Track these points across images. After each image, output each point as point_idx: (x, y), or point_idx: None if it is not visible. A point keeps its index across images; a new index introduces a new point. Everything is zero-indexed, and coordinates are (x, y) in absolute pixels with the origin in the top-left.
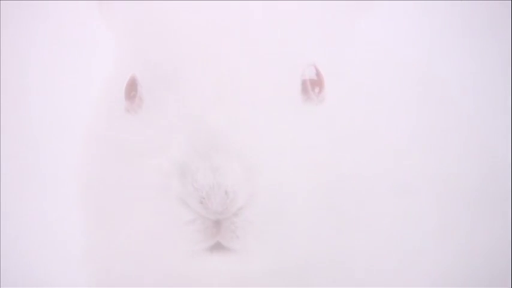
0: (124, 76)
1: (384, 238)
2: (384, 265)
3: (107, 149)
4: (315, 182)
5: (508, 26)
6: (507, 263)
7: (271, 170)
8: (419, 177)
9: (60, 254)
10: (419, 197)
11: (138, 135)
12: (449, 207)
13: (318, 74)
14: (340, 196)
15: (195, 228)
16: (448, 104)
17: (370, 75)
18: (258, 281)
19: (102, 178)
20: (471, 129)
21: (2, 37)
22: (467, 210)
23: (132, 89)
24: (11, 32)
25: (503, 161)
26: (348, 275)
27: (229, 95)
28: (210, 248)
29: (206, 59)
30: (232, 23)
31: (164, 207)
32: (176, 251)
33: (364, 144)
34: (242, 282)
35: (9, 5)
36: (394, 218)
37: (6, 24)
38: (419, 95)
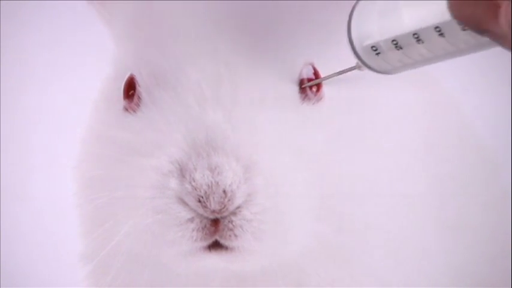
0: (122, 75)
1: (383, 238)
2: (384, 265)
3: (106, 148)
4: (313, 181)
5: None
6: (508, 263)
7: (269, 169)
8: (418, 177)
9: (58, 254)
10: (418, 197)
11: (136, 135)
12: (449, 207)
13: (315, 73)
14: (338, 195)
15: (194, 227)
16: (447, 103)
17: (367, 74)
18: (256, 279)
19: (100, 177)
20: (471, 129)
21: (2, 37)
22: (467, 210)
23: (130, 88)
24: (10, 32)
25: (503, 161)
26: (346, 274)
27: (227, 94)
28: (208, 246)
29: (204, 58)
30: (230, 22)
31: (162, 206)
32: (174, 250)
33: (362, 143)
34: (240, 281)
35: (9, 5)
36: (393, 217)
37: (6, 24)
38: (418, 94)
